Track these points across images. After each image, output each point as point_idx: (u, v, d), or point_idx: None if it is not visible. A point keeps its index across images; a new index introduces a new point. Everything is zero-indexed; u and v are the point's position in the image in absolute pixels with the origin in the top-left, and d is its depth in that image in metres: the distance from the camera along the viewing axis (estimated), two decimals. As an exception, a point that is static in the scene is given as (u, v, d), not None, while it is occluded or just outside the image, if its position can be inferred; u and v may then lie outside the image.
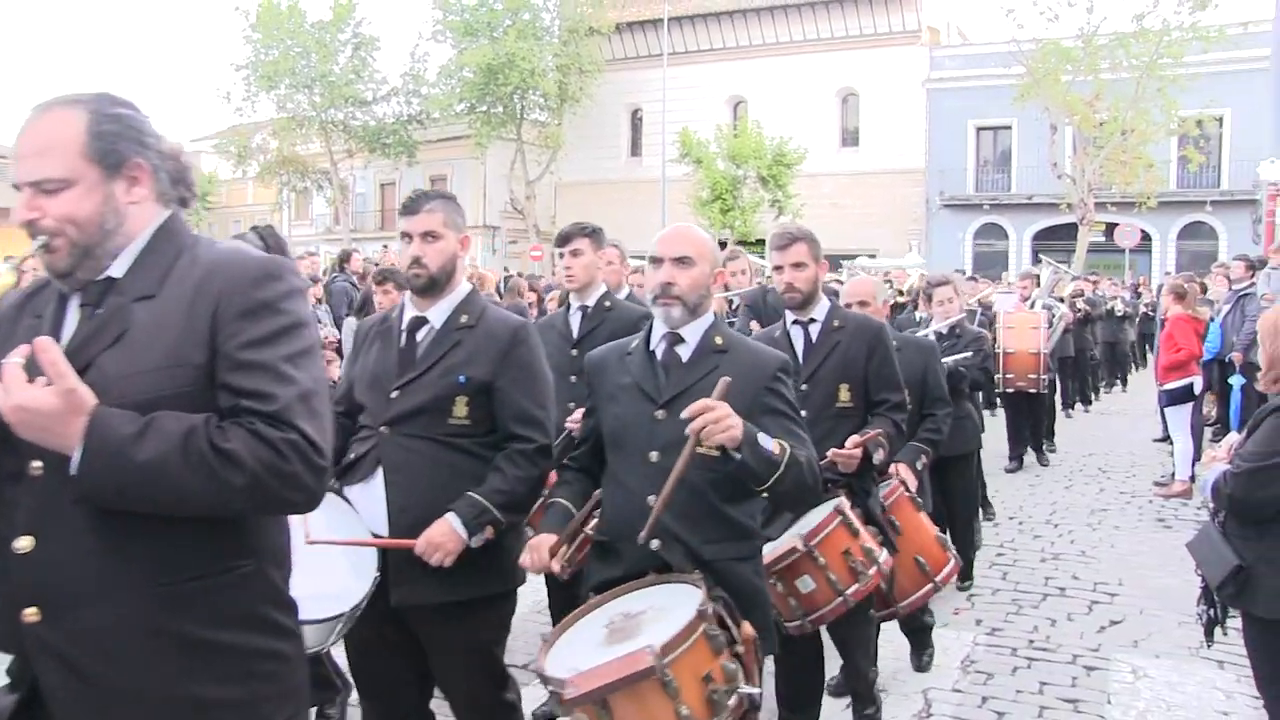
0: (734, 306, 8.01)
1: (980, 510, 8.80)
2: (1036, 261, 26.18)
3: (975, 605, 7.12)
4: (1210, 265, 17.36)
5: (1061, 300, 14.88)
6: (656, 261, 3.32)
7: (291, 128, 43.55)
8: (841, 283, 9.02)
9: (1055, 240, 36.36)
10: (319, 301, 10.95)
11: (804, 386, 4.45)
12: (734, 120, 41.60)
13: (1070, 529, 9.27)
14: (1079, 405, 17.18)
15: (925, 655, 5.85)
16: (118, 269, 2.17)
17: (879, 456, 4.39)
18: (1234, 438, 4.41)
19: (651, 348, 3.39)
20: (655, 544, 3.13)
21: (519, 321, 3.70)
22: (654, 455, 3.20)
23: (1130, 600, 7.24)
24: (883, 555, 4.23)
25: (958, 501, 7.34)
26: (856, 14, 41.81)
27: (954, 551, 5.02)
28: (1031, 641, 6.40)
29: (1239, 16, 31.49)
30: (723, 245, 38.17)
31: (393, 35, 68.84)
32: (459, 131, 43.75)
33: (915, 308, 11.53)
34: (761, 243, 32.42)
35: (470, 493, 3.42)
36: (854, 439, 4.32)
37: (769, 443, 3.02)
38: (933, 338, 7.38)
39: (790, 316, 4.65)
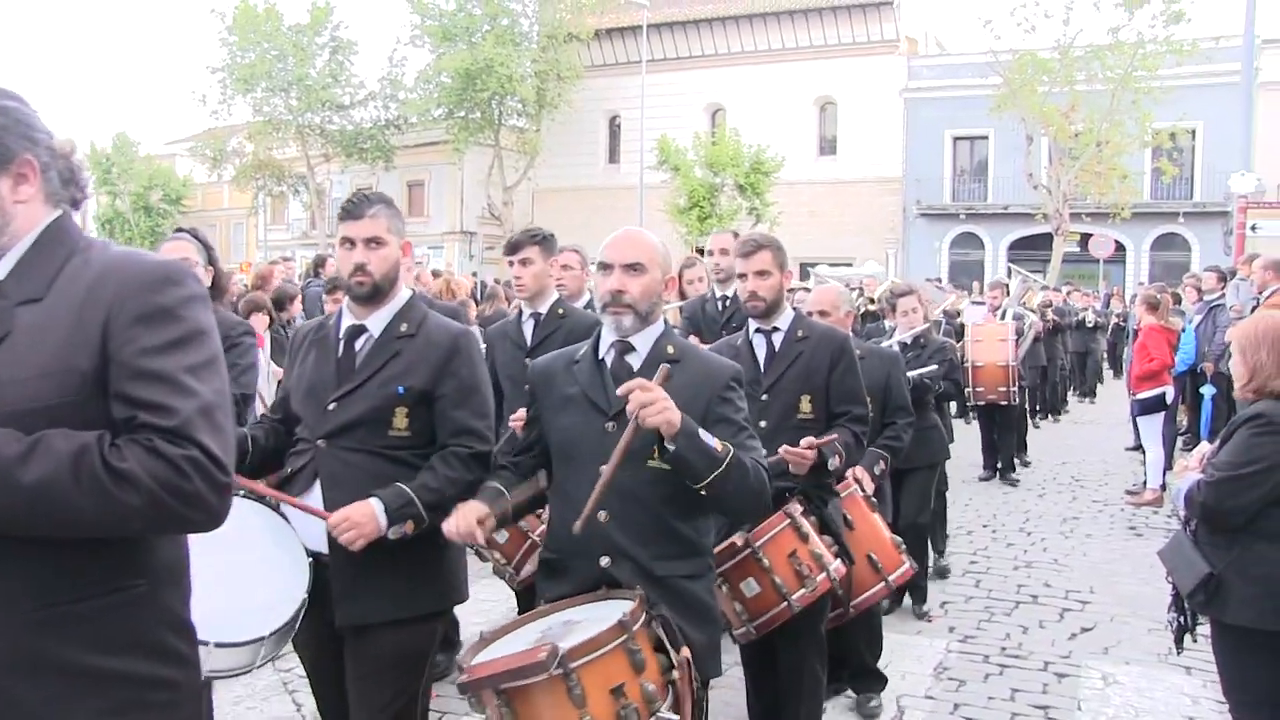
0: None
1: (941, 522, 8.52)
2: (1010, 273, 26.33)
3: (948, 613, 7.16)
4: (1183, 276, 17.51)
5: (1032, 310, 14.90)
6: (605, 268, 3.21)
7: (268, 131, 43.50)
8: (809, 290, 8.94)
9: (1031, 250, 36.61)
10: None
11: (764, 397, 4.36)
12: (712, 128, 41.72)
13: (1043, 537, 9.33)
14: (1049, 416, 17.27)
15: (872, 704, 5.43)
16: (0, 271, 2.03)
17: (834, 464, 4.23)
18: (1205, 447, 4.45)
19: (601, 356, 3.28)
20: (605, 560, 3.06)
21: (459, 330, 3.58)
22: (604, 469, 3.02)
23: (1101, 607, 7.30)
24: (834, 564, 4.12)
25: (915, 511, 7.07)
26: (835, 23, 41.99)
27: (909, 558, 4.88)
28: (1004, 649, 6.44)
29: (1211, 31, 31.86)
30: (700, 253, 38.14)
31: (370, 39, 68.85)
32: (436, 137, 43.75)
33: (882, 317, 11.37)
34: (739, 250, 32.40)
35: (399, 483, 3.30)
36: (808, 440, 4.18)
37: (711, 439, 2.95)
38: (897, 348, 7.27)
39: (753, 325, 4.54)
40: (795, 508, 4.13)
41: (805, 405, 4.38)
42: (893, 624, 6.78)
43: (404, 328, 3.49)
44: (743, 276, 4.44)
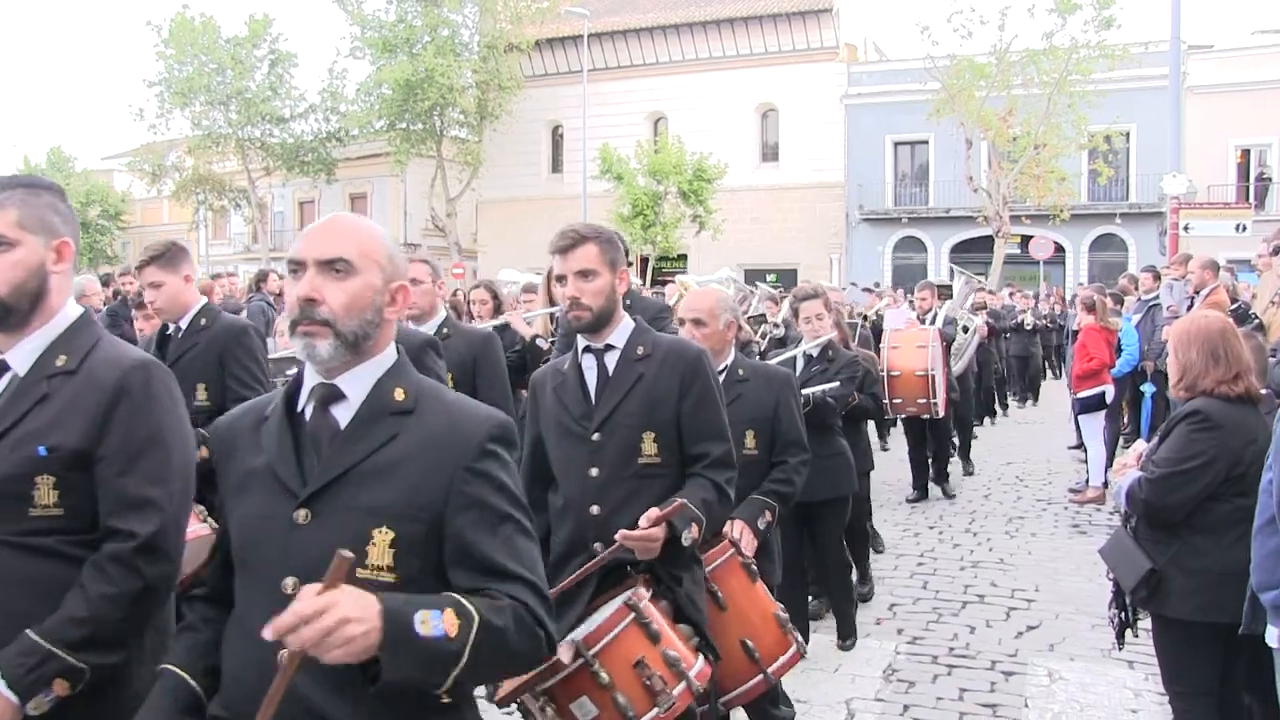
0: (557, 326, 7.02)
1: (868, 551, 7.96)
2: (953, 275, 26.58)
3: (896, 615, 7.23)
4: (1119, 276, 17.84)
5: (975, 313, 14.07)
6: (295, 267, 2.13)
7: (207, 145, 43.05)
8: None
9: (972, 253, 37.02)
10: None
11: (595, 436, 3.40)
12: (654, 136, 41.78)
13: (989, 537, 9.45)
14: (982, 421, 16.47)
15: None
16: None
17: (690, 536, 3.26)
18: (1142, 445, 4.55)
19: (300, 407, 2.19)
20: None
21: (135, 360, 2.57)
22: (289, 583, 2.00)
23: (1046, 605, 7.41)
24: (696, 666, 3.14)
25: (829, 552, 6.38)
26: (775, 31, 42.24)
27: (797, 636, 3.88)
28: (951, 649, 6.52)
29: (1141, 36, 32.54)
30: (644, 262, 37.80)
31: (310, 52, 68.12)
32: (378, 149, 43.52)
33: (788, 327, 10.15)
34: (683, 258, 31.98)
35: (29, 631, 2.29)
36: (652, 513, 3.20)
37: (435, 624, 1.87)
38: (801, 361, 6.66)
39: (581, 342, 3.54)
40: (640, 595, 3.17)
41: (649, 446, 3.41)
42: (842, 627, 6.84)
43: (61, 361, 2.52)
44: (560, 279, 3.45)
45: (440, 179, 42.07)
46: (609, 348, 3.48)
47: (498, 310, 7.74)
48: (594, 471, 3.39)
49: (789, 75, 41.64)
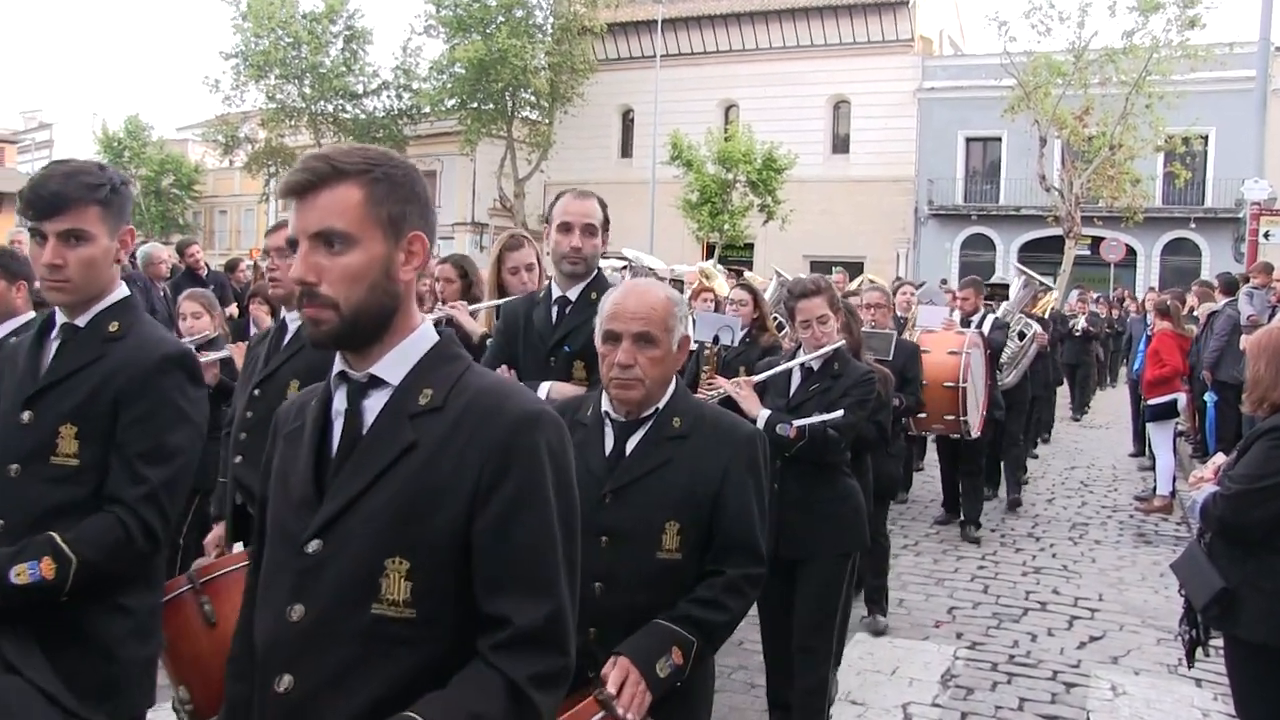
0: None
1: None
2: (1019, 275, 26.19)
3: (956, 619, 7.14)
4: (1191, 282, 17.48)
5: (1034, 318, 12.94)
6: None
7: (280, 118, 43.60)
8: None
9: (1042, 252, 36.51)
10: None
11: (311, 546, 1.82)
12: (725, 124, 41.63)
13: (1052, 543, 9.31)
14: (1036, 441, 14.06)
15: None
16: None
17: None
18: (1221, 458, 4.44)
19: None
20: None
21: None
22: None
23: (1110, 616, 7.28)
24: None
25: (811, 628, 4.66)
26: (850, 21, 41.92)
27: None
28: (1012, 657, 6.43)
29: (1226, 37, 31.78)
30: (710, 250, 37.60)
31: (385, 28, 68.56)
32: (449, 127, 43.82)
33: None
34: (750, 247, 31.74)
35: None
36: None
37: None
38: (798, 376, 5.01)
39: (336, 364, 1.96)
40: None
41: (395, 583, 1.77)
42: (900, 630, 6.80)
43: None
44: (288, 246, 1.98)
45: (510, 159, 42.31)
46: (376, 382, 1.89)
47: (466, 292, 5.86)
48: (295, 611, 1.81)
49: (862, 67, 41.31)
